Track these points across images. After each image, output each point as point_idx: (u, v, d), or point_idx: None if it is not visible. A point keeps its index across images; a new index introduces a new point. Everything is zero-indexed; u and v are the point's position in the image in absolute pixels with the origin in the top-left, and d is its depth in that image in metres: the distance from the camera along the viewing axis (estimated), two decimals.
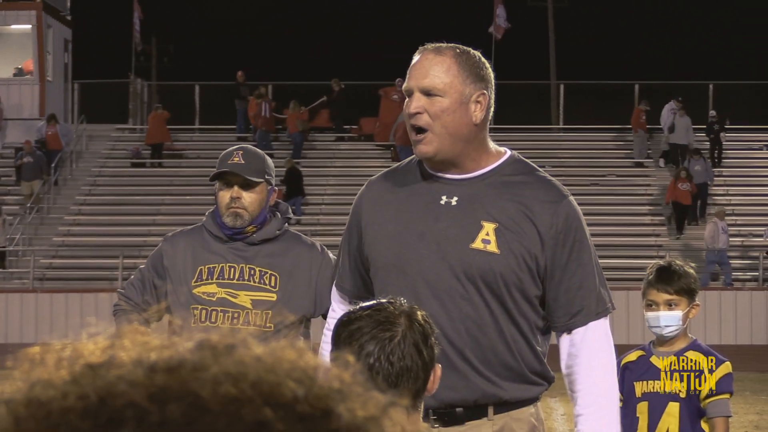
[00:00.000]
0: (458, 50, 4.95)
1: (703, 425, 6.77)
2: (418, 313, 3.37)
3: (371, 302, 3.44)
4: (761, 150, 43.04)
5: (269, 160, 6.62)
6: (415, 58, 4.95)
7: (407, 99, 4.92)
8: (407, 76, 4.94)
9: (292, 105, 42.87)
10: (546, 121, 45.32)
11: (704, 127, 41.36)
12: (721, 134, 41.09)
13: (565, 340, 4.97)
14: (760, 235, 37.87)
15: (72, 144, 42.76)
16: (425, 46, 4.97)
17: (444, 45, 4.97)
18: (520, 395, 4.92)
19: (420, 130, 4.84)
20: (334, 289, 5.17)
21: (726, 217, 38.24)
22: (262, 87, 44.13)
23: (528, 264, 4.87)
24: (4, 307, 34.96)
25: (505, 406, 4.88)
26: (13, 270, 38.22)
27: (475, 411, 4.81)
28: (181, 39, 61.67)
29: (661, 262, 6.99)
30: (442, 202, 4.92)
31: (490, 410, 4.85)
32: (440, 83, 4.86)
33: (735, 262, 37.45)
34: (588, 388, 4.94)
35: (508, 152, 5.04)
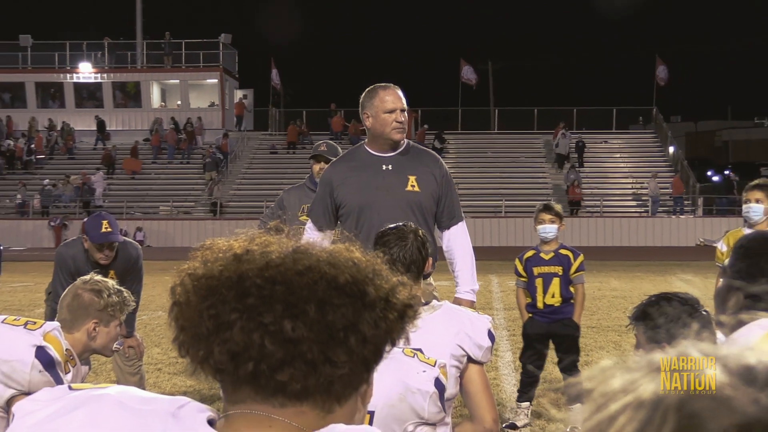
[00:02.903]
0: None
1: (571, 289, 6.81)
2: (420, 231, 3.32)
3: (395, 225, 3.36)
4: (602, 143, 42.76)
5: (339, 149, 6.57)
6: (384, 92, 4.90)
7: (388, 114, 4.86)
8: (385, 100, 4.86)
9: (353, 121, 42.84)
10: (488, 128, 45.02)
11: (575, 140, 40.79)
12: (584, 149, 40.24)
13: (446, 234, 5.02)
14: (614, 196, 37.70)
15: (237, 143, 42.89)
16: (386, 85, 4.96)
17: (392, 84, 4.99)
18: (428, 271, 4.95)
19: (403, 129, 4.88)
20: (309, 222, 5.10)
21: (585, 190, 38.03)
22: (298, 121, 44.16)
23: (434, 196, 4.94)
24: (203, 228, 35.38)
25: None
26: (208, 208, 38.42)
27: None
28: (298, 84, 62.47)
29: (545, 201, 7.05)
30: (383, 168, 4.92)
31: None
32: (405, 105, 4.95)
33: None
34: (462, 258, 4.98)
35: (407, 140, 5.05)
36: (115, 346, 3.28)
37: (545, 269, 6.80)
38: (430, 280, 4.89)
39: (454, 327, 3.14)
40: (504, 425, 6.67)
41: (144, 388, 6.13)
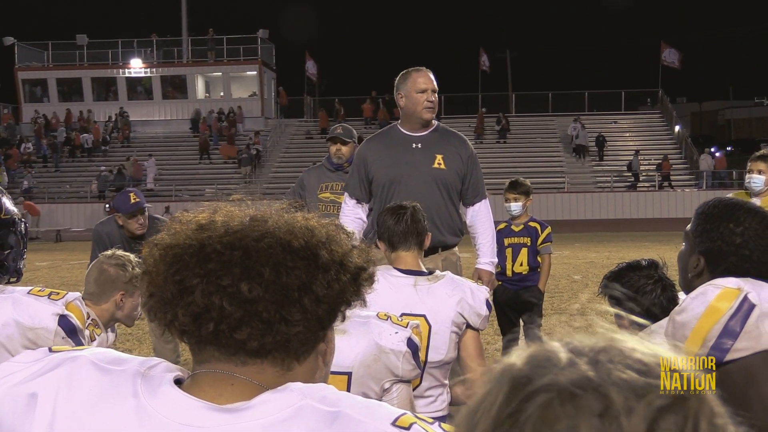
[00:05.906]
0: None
1: (538, 258, 6.79)
2: (416, 205, 3.30)
3: (394, 203, 3.34)
4: (612, 124, 42.30)
5: (354, 131, 6.53)
6: (417, 74, 4.82)
7: (420, 93, 4.78)
8: (418, 82, 4.79)
9: (382, 108, 42.74)
10: (507, 110, 44.67)
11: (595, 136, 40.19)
12: (605, 143, 39.37)
13: (470, 210, 4.94)
14: (624, 170, 37.30)
15: (275, 129, 42.97)
16: (418, 68, 4.88)
17: (424, 67, 4.90)
18: (452, 242, 4.86)
19: (433, 108, 4.79)
20: (346, 194, 5.00)
21: (597, 167, 37.59)
22: (336, 102, 43.87)
23: (458, 174, 4.85)
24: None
25: (446, 247, 4.82)
26: (250, 192, 38.50)
27: (433, 250, 4.70)
28: (331, 74, 62.11)
29: (513, 179, 6.94)
30: (413, 147, 4.84)
31: (440, 249, 4.78)
32: (436, 86, 4.86)
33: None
34: (483, 233, 4.93)
35: (437, 122, 4.96)
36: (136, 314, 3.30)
37: (515, 240, 6.79)
38: (455, 250, 4.87)
39: (457, 296, 3.14)
40: None
41: (179, 354, 6.16)
